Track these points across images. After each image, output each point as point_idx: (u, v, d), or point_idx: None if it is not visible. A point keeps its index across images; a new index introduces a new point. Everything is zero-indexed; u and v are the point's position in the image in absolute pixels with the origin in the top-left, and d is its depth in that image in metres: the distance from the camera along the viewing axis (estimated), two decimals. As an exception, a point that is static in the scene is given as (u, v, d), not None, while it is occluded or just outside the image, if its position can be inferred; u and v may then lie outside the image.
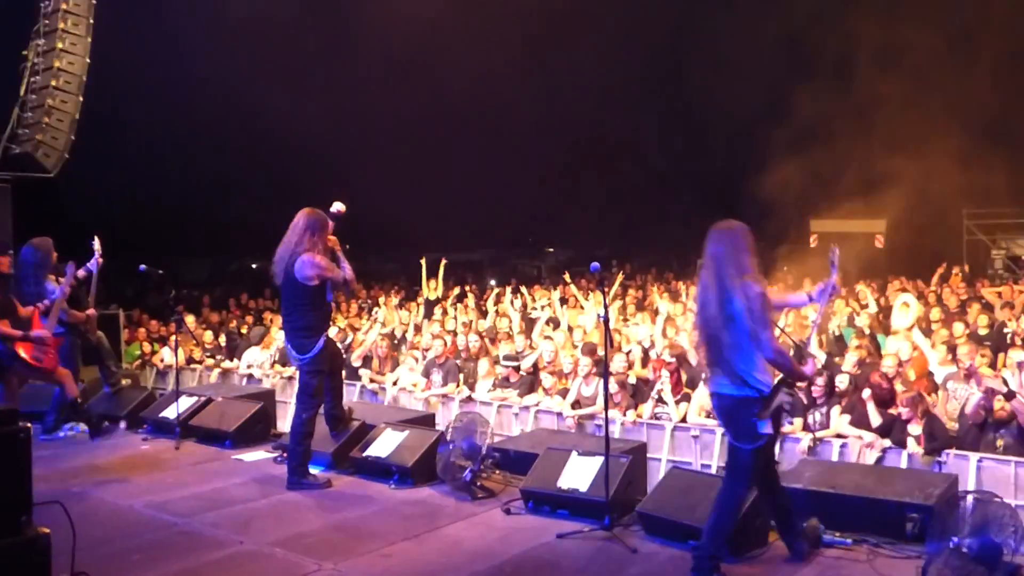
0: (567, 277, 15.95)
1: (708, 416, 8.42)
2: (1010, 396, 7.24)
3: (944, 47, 15.68)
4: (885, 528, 5.26)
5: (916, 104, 16.11)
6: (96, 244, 8.53)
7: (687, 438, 8.34)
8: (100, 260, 8.54)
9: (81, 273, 8.36)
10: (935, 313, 11.43)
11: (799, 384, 5.59)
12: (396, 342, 12.13)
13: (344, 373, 10.62)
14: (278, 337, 11.98)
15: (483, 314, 14.21)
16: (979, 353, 8.51)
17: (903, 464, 7.23)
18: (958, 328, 10.48)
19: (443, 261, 15.47)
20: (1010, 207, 22.89)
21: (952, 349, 9.10)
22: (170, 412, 8.46)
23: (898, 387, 7.98)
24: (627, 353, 9.94)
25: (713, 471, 7.78)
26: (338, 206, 6.93)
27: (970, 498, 5.02)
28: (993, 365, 8.98)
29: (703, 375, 8.56)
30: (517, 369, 10.00)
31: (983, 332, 10.76)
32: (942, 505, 5.29)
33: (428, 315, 13.90)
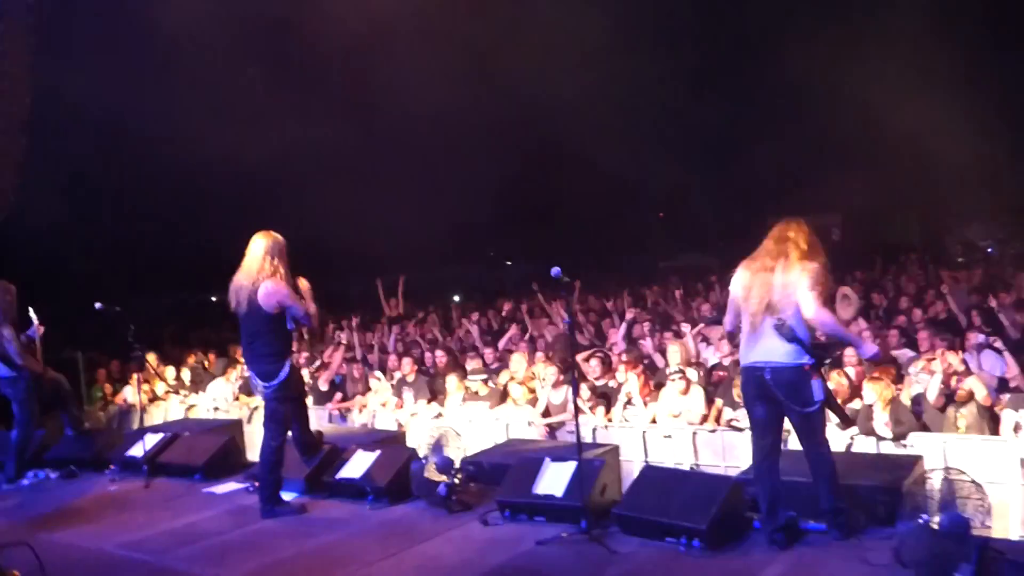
0: (535, 287, 15.92)
1: (677, 417, 8.49)
2: (966, 374, 7.42)
3: (892, 36, 16.02)
4: (857, 511, 5.32)
5: (866, 97, 16.45)
6: (32, 314, 8.29)
7: (659, 438, 8.38)
8: (40, 328, 8.34)
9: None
10: (903, 302, 11.69)
11: None
12: (363, 363, 12.06)
13: (312, 398, 10.60)
14: (240, 368, 11.88)
15: (450, 331, 14.19)
16: (938, 337, 8.71)
17: (871, 449, 7.34)
18: (917, 314, 10.71)
19: (402, 278, 15.41)
20: (960, 194, 23.43)
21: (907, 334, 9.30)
22: (136, 451, 8.30)
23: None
24: (597, 357, 9.98)
25: (687, 468, 7.85)
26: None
27: (937, 476, 5.13)
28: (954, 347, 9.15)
29: (667, 372, 8.67)
30: (486, 382, 10.00)
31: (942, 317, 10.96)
32: (911, 486, 5.39)
33: (392, 334, 13.83)
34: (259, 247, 6.44)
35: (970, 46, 16.76)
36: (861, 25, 16.48)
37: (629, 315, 11.77)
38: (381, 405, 10.42)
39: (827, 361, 5.30)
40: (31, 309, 8.32)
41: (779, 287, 5.06)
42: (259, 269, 6.37)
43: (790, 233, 5.19)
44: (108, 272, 18.54)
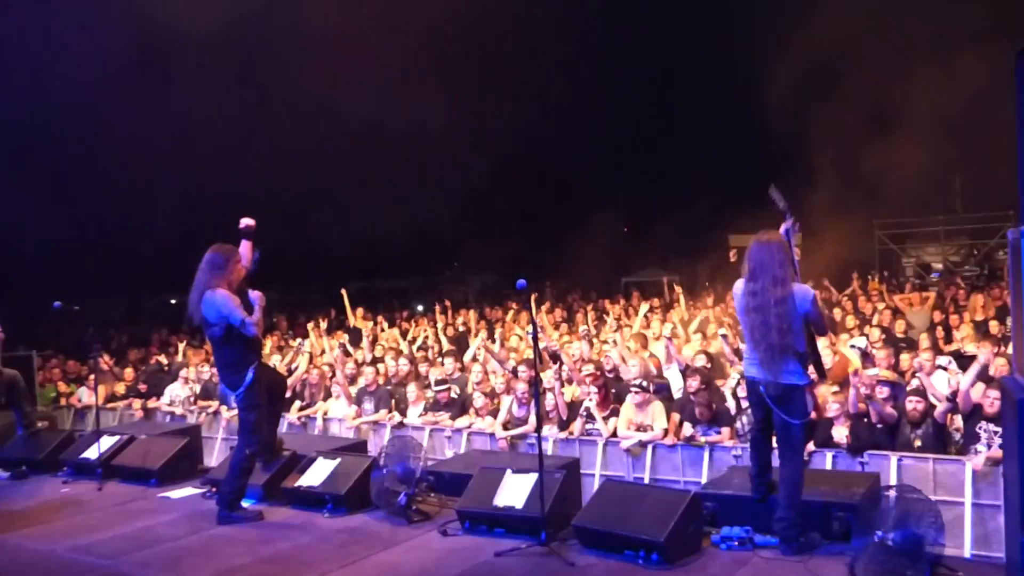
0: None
1: (637, 429, 8.51)
2: (921, 394, 7.55)
3: (850, 58, 16.29)
4: (812, 527, 5.40)
5: (825, 117, 16.69)
6: None
7: (619, 452, 8.41)
8: (1, 336, 8.42)
9: None
10: (850, 320, 11.89)
11: None
12: (329, 372, 11.96)
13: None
14: (201, 372, 11.76)
15: (411, 340, 14.13)
16: (893, 357, 8.87)
17: (828, 465, 7.43)
18: (875, 333, 10.89)
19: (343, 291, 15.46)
20: (917, 216, 23.89)
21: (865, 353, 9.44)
22: (91, 453, 8.18)
23: (825, 390, 8.17)
24: (559, 369, 9.98)
25: (646, 481, 7.89)
26: (246, 221, 6.81)
27: (892, 493, 5.20)
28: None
29: (628, 386, 8.70)
30: (448, 392, 9.97)
31: (899, 336, 11.17)
32: (866, 502, 5.47)
33: (355, 343, 13.75)
34: (206, 261, 6.44)
35: (926, 69, 17.12)
36: (820, 46, 16.75)
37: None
38: (343, 414, 10.32)
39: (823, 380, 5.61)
40: None
41: (767, 326, 5.18)
42: (206, 282, 6.36)
43: (767, 258, 5.27)
44: (65, 272, 18.26)
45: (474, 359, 11.03)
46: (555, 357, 10.07)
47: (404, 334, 14.68)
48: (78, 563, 5.77)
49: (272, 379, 6.96)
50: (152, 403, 11.88)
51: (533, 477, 5.99)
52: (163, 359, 13.35)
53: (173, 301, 25.92)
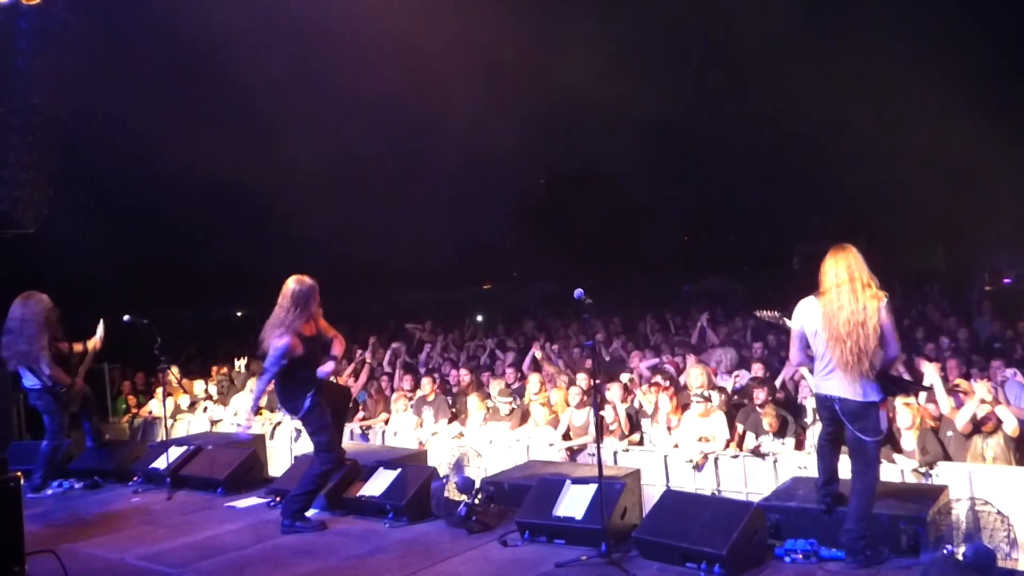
0: None
1: (700, 440, 8.42)
2: (994, 404, 7.32)
3: (918, 62, 15.94)
4: (880, 541, 5.27)
5: (890, 121, 16.35)
6: (100, 327, 8.82)
7: (682, 463, 8.33)
8: (99, 344, 8.80)
9: (78, 348, 8.55)
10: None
11: None
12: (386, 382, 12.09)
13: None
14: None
15: (468, 351, 14.20)
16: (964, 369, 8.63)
17: (896, 477, 7.25)
18: (944, 341, 10.62)
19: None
20: (987, 221, 23.16)
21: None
22: (160, 463, 8.39)
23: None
24: (622, 381, 9.94)
25: (708, 493, 7.79)
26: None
27: (962, 507, 5.06)
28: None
29: (690, 395, 8.62)
30: (510, 403, 9.99)
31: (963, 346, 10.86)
32: (935, 515, 5.33)
33: (415, 354, 13.88)
34: (288, 295, 6.53)
35: (997, 72, 16.66)
36: (886, 51, 16.41)
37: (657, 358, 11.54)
38: (403, 424, 10.42)
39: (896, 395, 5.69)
40: (101, 322, 8.87)
41: (855, 323, 5.06)
42: (283, 319, 6.45)
43: (850, 264, 5.17)
44: (132, 285, 18.73)
45: (533, 369, 11.06)
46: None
47: (463, 345, 14.76)
48: (147, 571, 5.90)
49: (335, 395, 7.08)
50: (219, 413, 12.15)
51: (593, 488, 5.96)
52: (230, 372, 13.63)
53: (240, 313, 26.46)
